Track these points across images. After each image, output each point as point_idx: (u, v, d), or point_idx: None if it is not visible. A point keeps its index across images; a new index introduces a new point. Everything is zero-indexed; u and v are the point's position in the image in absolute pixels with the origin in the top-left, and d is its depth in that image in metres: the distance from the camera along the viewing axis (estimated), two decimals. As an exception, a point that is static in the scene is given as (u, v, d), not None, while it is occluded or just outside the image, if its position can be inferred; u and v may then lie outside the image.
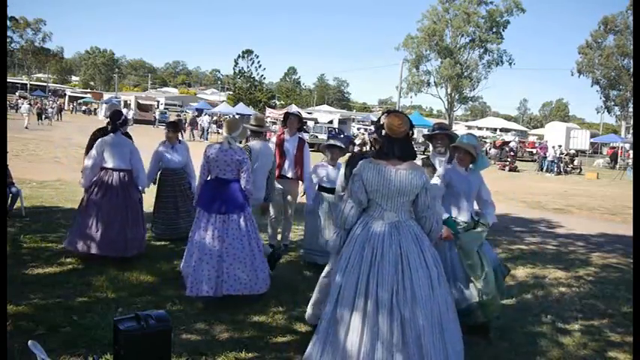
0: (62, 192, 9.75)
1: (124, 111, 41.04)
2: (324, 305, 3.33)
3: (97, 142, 5.72)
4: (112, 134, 5.76)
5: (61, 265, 5.48)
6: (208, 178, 4.82)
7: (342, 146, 5.86)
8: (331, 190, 5.55)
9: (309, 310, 4.14)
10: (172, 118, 37.15)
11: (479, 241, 4.28)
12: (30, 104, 34.32)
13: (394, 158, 3.17)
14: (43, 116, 35.18)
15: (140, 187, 5.92)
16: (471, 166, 4.41)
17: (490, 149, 31.23)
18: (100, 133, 5.99)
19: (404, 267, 3.03)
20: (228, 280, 4.57)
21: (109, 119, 5.93)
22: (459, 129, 48.49)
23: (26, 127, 27.69)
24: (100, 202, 5.59)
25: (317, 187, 5.98)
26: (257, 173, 5.61)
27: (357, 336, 2.96)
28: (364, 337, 2.95)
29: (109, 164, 5.69)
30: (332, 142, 5.86)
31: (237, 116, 38.80)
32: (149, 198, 6.61)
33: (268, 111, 42.25)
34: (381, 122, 3.30)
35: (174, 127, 7.08)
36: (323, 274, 4.10)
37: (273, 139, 6.86)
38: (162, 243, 6.62)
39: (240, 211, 4.73)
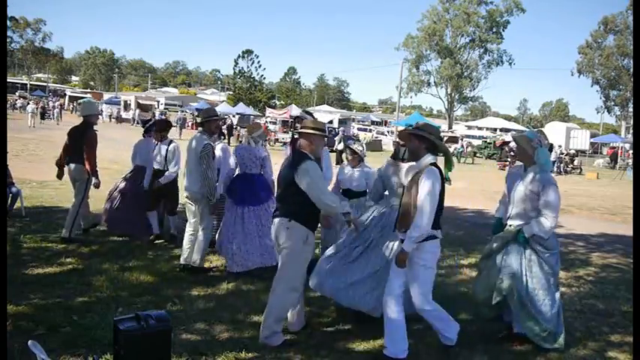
0: (62, 192, 9.74)
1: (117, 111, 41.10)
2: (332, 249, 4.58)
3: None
4: (142, 138, 6.99)
5: (61, 265, 5.48)
6: (237, 173, 5.74)
7: (356, 150, 5.58)
8: (355, 194, 5.44)
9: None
10: (173, 117, 37.19)
11: (492, 246, 4.16)
12: (35, 104, 34.45)
13: (402, 161, 4.31)
14: (45, 116, 35.39)
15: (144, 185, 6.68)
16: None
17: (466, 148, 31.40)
18: (74, 131, 6.52)
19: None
20: (253, 258, 5.45)
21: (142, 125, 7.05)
22: (459, 129, 48.50)
23: (32, 127, 28.41)
24: (124, 191, 6.80)
25: (341, 190, 5.59)
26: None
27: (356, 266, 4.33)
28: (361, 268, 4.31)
29: (136, 161, 6.93)
30: (349, 144, 5.68)
31: (237, 116, 38.91)
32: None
33: (268, 111, 42.24)
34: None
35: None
36: None
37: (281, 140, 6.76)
38: (162, 243, 6.62)
39: (263, 202, 5.57)
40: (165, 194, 6.62)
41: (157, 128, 6.80)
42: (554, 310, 4.02)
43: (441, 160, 3.79)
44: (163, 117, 35.49)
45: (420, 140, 3.74)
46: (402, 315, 3.75)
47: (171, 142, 6.64)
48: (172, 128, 7.29)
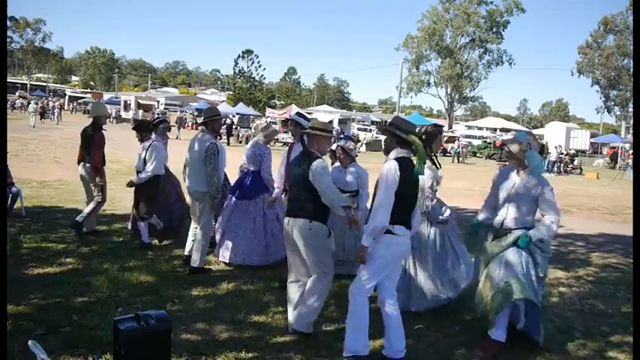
0: (62, 192, 9.75)
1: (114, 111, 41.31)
2: None
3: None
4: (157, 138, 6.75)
5: (61, 265, 5.48)
6: (246, 170, 5.96)
7: (346, 149, 5.52)
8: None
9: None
10: (173, 117, 37.20)
11: (488, 254, 4.07)
12: (36, 104, 34.61)
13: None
14: (45, 115, 35.60)
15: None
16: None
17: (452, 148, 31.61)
18: (84, 131, 6.63)
19: None
20: (245, 252, 5.73)
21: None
22: (459, 129, 48.52)
23: (33, 126, 28.99)
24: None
25: None
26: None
27: None
28: None
29: None
30: (341, 142, 5.57)
31: (237, 116, 38.94)
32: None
33: (268, 111, 42.26)
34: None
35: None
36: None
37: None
38: (163, 243, 6.62)
39: (255, 197, 5.81)
40: (144, 195, 6.27)
41: (137, 128, 6.60)
42: (539, 309, 4.01)
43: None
44: (159, 116, 35.60)
45: (391, 135, 3.74)
46: (397, 312, 3.77)
47: (153, 141, 6.38)
48: (171, 128, 7.25)
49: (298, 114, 6.05)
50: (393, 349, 3.72)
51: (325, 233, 3.98)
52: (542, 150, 4.16)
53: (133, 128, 6.75)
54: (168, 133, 7.06)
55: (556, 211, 3.91)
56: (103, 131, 6.62)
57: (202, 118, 5.81)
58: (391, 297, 3.77)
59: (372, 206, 3.74)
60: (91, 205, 6.59)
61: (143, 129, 6.57)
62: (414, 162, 3.66)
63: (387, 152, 3.77)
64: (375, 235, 3.56)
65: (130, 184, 6.37)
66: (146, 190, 6.29)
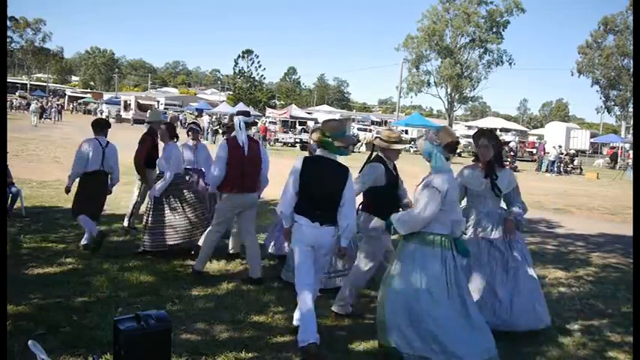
0: (62, 192, 9.70)
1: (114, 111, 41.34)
2: None
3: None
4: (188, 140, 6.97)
5: (61, 265, 5.48)
6: None
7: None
8: None
9: None
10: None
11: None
12: (37, 104, 34.74)
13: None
14: (44, 115, 35.78)
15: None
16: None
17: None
18: (147, 137, 6.83)
19: None
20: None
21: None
22: (459, 129, 48.49)
23: (35, 125, 29.54)
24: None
25: None
26: None
27: None
28: None
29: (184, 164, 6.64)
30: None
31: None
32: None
33: (268, 111, 42.29)
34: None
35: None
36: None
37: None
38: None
39: None
40: (77, 193, 6.28)
41: (92, 126, 6.42)
42: None
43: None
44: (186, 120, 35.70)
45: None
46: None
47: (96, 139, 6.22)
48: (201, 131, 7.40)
49: (239, 112, 5.74)
50: (300, 336, 3.73)
51: None
52: (452, 147, 3.56)
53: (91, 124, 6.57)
54: (200, 137, 7.17)
55: (420, 206, 3.52)
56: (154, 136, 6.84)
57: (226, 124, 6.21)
58: (306, 286, 3.85)
59: None
60: (130, 207, 7.04)
61: (94, 126, 6.40)
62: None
63: None
64: (282, 220, 4.07)
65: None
66: (79, 187, 6.27)
